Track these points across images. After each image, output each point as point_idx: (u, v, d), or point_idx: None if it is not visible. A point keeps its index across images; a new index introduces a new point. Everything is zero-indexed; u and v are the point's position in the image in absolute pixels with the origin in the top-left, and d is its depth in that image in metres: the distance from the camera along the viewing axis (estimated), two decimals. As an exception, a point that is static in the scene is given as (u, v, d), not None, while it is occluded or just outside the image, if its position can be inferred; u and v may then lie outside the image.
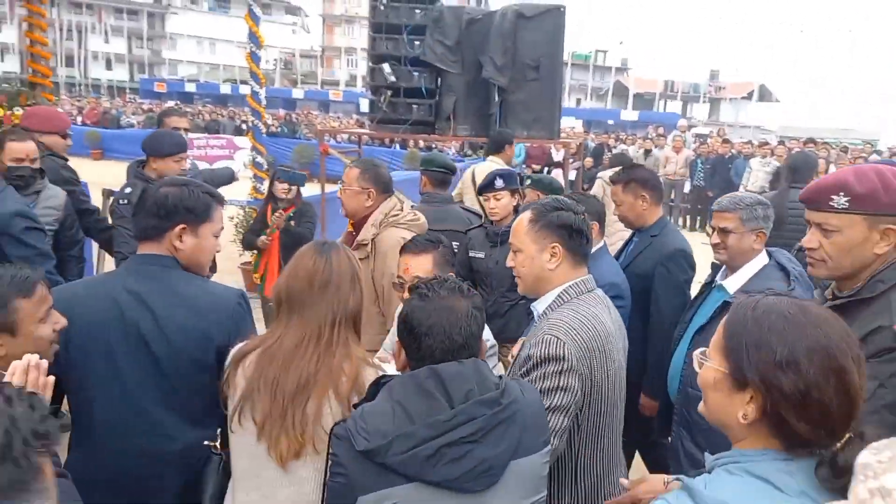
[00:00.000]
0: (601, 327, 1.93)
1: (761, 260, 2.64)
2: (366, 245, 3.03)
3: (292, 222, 4.90)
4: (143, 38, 58.89)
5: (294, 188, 4.94)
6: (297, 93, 44.15)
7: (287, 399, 1.66)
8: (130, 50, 58.90)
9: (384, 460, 1.38)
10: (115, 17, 57.42)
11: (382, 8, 6.52)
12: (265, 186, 6.22)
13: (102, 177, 8.32)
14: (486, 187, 3.68)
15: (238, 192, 6.92)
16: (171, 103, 36.81)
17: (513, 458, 1.46)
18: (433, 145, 15.91)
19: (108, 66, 55.95)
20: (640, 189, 3.30)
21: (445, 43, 6.29)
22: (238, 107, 38.05)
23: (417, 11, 6.49)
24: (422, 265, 2.42)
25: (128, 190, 3.83)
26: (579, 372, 1.84)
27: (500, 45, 6.11)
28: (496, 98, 6.25)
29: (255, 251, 5.18)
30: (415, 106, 6.67)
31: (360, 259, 2.87)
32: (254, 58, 6.70)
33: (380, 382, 1.54)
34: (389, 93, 6.64)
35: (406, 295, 1.91)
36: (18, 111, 5.58)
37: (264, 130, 6.85)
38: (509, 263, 2.10)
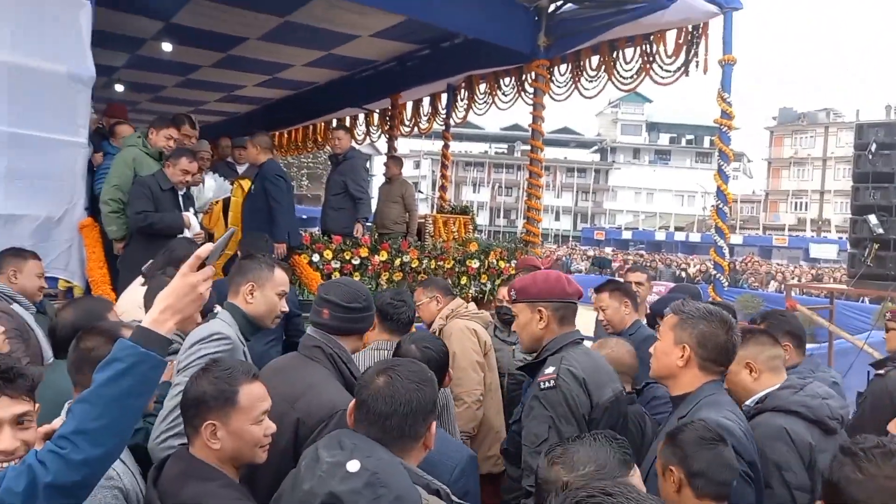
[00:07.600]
0: None
1: None
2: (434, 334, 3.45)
3: None
4: (588, 192, 65.74)
5: None
6: (736, 238, 42.77)
7: None
8: (576, 203, 66.15)
9: None
10: (567, 176, 65.68)
11: (871, 157, 6.08)
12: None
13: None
14: None
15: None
16: (608, 249, 39.73)
17: None
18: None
19: (557, 217, 63.58)
20: None
21: (956, 189, 5.49)
22: (671, 253, 38.79)
23: (915, 158, 5.86)
24: None
25: None
26: None
27: None
28: None
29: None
30: (908, 260, 5.89)
31: None
32: (720, 214, 6.84)
33: None
34: (876, 246, 6.03)
35: None
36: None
37: (726, 284, 6.83)
38: None
